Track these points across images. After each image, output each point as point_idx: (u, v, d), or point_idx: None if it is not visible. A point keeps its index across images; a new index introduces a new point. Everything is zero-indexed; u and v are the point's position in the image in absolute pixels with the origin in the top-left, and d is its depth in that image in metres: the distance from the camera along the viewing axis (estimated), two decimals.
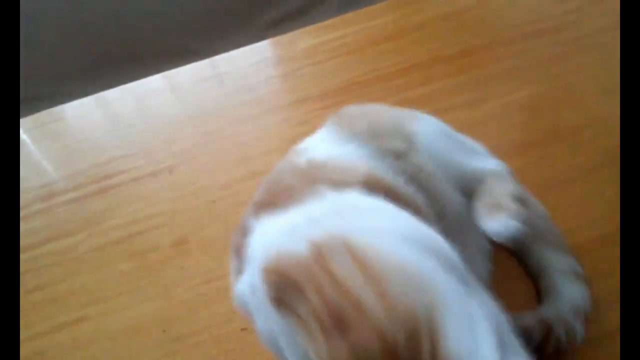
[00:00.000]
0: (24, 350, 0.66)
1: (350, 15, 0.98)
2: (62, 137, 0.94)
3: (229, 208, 0.74)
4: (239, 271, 0.45)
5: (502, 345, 0.34)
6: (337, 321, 0.33)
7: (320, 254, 0.36)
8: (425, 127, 0.55)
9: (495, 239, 0.45)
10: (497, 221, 0.45)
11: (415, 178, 0.51)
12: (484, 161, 0.56)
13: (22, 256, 0.75)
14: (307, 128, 0.57)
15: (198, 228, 0.73)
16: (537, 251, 0.58)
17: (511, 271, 0.59)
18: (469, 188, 0.54)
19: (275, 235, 0.42)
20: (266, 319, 0.40)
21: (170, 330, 0.63)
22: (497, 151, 0.58)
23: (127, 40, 1.59)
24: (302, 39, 0.97)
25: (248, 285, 0.42)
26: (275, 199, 0.45)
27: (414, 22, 0.95)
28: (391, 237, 0.39)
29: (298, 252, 0.37)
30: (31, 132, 0.96)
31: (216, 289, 0.65)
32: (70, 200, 0.80)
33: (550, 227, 0.59)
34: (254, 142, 0.82)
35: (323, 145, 0.53)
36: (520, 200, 0.48)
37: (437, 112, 0.57)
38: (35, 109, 1.01)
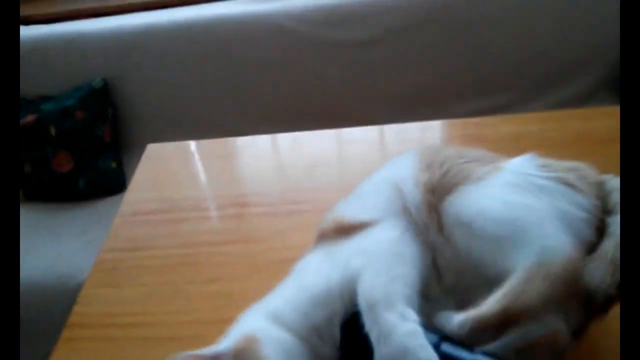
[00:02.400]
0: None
1: (564, 112, 0.97)
2: (251, 162, 1.04)
3: None
4: None
5: None
6: None
7: None
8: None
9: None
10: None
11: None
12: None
13: (210, 249, 0.81)
14: None
15: None
16: None
17: None
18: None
19: None
20: None
21: None
22: None
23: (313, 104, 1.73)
24: (506, 125, 0.97)
25: None
26: None
27: None
28: None
29: None
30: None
31: None
32: (262, 213, 0.86)
33: None
34: None
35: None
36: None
37: None
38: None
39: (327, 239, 0.59)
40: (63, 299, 1.41)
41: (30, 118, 1.63)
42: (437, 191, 0.54)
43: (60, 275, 1.42)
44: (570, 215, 0.47)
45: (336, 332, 0.49)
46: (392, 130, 1.04)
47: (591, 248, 0.47)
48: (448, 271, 0.52)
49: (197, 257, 0.80)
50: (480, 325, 0.43)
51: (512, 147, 0.92)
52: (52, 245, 1.51)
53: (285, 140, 1.07)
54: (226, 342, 0.54)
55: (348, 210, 0.60)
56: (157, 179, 1.00)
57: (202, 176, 0.99)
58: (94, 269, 0.81)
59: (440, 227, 0.53)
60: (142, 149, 1.09)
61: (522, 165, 0.54)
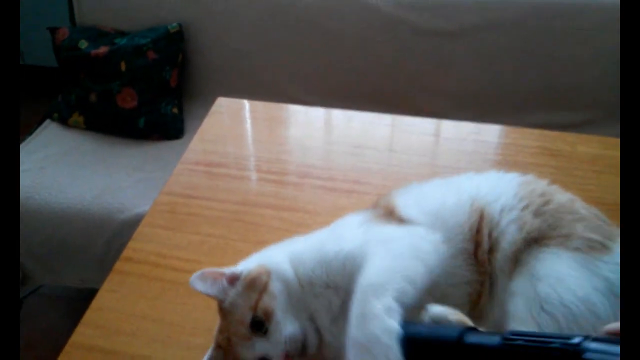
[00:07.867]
0: None
1: None
2: (315, 134, 1.04)
3: None
4: None
5: None
6: None
7: None
8: None
9: None
10: None
11: None
12: None
13: (266, 212, 0.82)
14: None
15: None
16: None
17: None
18: None
19: None
20: None
21: None
22: None
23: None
24: (584, 144, 0.94)
25: None
26: None
27: None
28: None
29: None
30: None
31: None
32: (320, 186, 0.87)
33: None
34: None
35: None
36: None
37: None
38: None
39: (376, 210, 0.61)
40: (106, 231, 1.45)
41: (102, 50, 1.66)
42: (534, 236, 0.54)
43: (106, 206, 1.45)
44: None
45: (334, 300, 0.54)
46: (449, 127, 1.02)
47: None
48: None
49: (253, 217, 0.81)
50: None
51: (587, 169, 0.90)
52: (103, 177, 1.55)
53: (350, 118, 1.07)
54: (244, 266, 0.60)
55: (405, 200, 0.61)
56: (222, 132, 1.01)
57: (267, 138, 0.99)
58: (152, 210, 0.83)
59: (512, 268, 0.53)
60: (203, 100, 1.10)
61: None
